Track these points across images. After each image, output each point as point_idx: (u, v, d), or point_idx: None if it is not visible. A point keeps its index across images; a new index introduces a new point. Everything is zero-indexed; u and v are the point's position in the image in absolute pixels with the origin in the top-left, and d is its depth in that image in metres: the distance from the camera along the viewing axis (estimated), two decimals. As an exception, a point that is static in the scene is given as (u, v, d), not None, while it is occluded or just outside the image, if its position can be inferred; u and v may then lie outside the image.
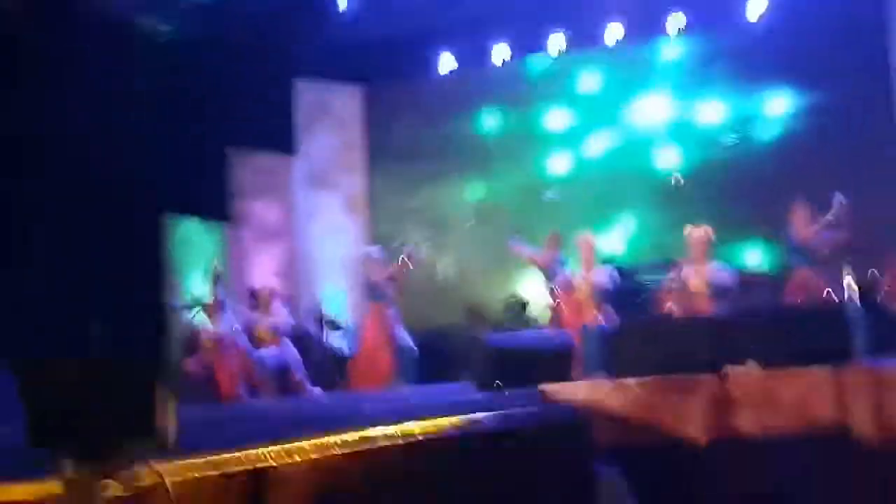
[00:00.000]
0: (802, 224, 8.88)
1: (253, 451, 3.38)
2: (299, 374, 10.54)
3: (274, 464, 3.38)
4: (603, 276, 9.57)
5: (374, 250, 11.31)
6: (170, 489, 2.80)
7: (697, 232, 9.23)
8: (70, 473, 2.83)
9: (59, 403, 3.01)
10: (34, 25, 10.90)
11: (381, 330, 10.37)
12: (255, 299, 11.22)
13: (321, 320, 13.08)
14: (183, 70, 13.15)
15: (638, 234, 13.62)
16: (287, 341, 10.74)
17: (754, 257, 12.07)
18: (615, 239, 13.33)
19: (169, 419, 2.97)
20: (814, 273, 8.90)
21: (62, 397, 3.02)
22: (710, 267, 9.06)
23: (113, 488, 2.77)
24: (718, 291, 8.96)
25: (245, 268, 13.63)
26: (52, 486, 2.82)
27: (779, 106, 13.12)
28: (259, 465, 3.31)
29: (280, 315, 10.80)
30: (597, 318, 9.16)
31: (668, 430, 6.39)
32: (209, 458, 3.17)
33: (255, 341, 10.56)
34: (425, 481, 4.46)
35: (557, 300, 9.79)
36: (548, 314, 10.22)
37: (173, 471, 2.94)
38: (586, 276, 9.51)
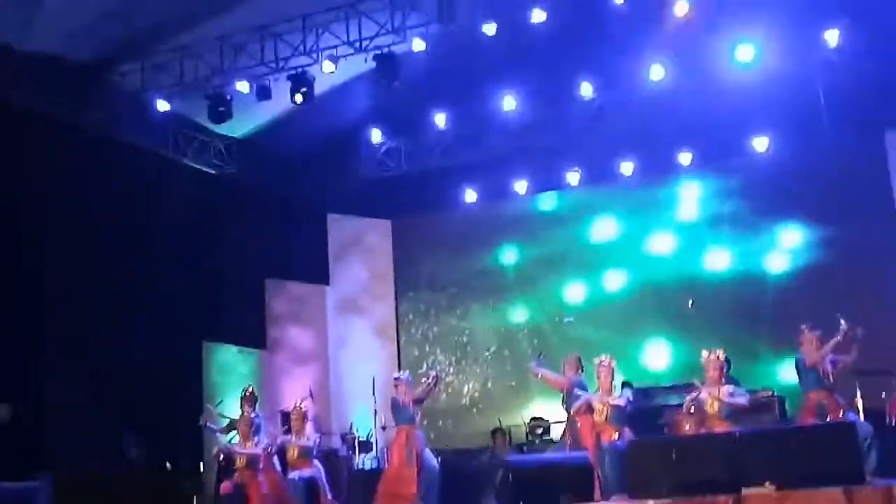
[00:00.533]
0: (812, 348, 8.78)
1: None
2: (328, 495, 10.36)
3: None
4: (621, 398, 9.44)
5: (403, 374, 11.26)
6: None
7: (712, 356, 9.15)
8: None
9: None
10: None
11: (408, 450, 10.19)
12: (287, 421, 11.11)
13: (351, 440, 12.94)
14: (224, 204, 13.43)
15: (656, 359, 13.53)
16: (317, 462, 10.59)
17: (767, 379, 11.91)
18: (634, 363, 13.23)
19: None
20: (826, 395, 8.74)
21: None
22: (724, 389, 8.94)
23: None
24: (733, 412, 8.81)
25: (280, 391, 13.58)
26: None
27: (789, 239, 13.18)
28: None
29: (311, 436, 10.67)
30: (614, 438, 8.99)
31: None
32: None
33: (286, 462, 10.41)
34: None
35: (578, 422, 9.62)
36: (568, 436, 10.03)
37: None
38: (604, 398, 9.38)
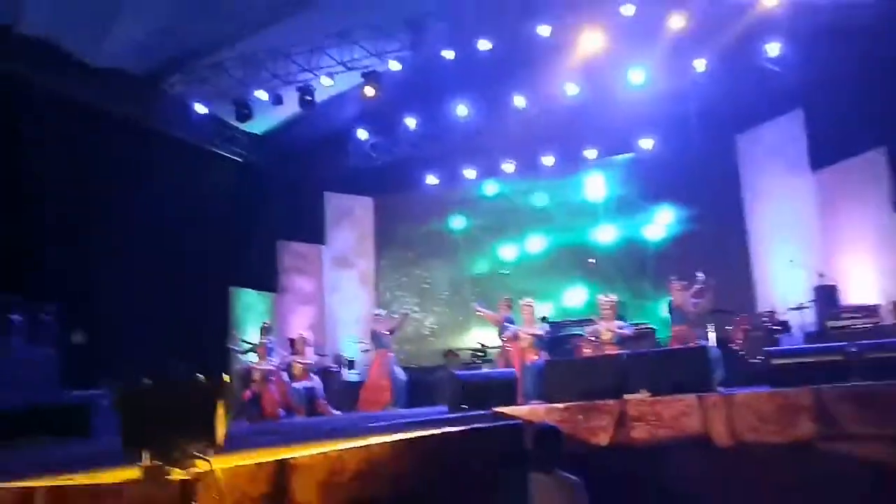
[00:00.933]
0: (678, 294, 8.92)
1: (281, 449, 3.34)
2: (323, 400, 10.40)
3: (295, 455, 3.34)
4: (540, 330, 9.53)
5: (381, 311, 11.29)
6: (217, 473, 2.76)
7: (606, 299, 9.25)
8: (146, 464, 2.79)
9: (143, 416, 2.98)
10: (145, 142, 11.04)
11: (383, 368, 10.27)
12: (293, 345, 11.11)
13: (340, 361, 12.98)
14: (246, 183, 13.27)
15: (570, 301, 13.66)
16: (315, 376, 10.62)
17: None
18: (555, 303, 13.36)
19: (222, 427, 2.95)
20: (687, 329, 8.90)
21: (146, 411, 2.99)
22: (615, 323, 9.06)
23: (176, 473, 2.73)
24: (621, 339, 8.94)
25: (287, 324, 13.55)
26: (134, 473, 2.78)
27: (665, 216, 13.33)
28: (284, 456, 3.28)
29: (310, 357, 10.69)
30: (534, 360, 9.09)
31: (584, 440, 6.33)
32: (248, 452, 3.14)
33: (292, 376, 10.43)
34: (409, 470, 4.39)
35: (507, 347, 9.71)
36: (500, 357, 10.12)
37: (221, 461, 2.90)
38: (527, 330, 9.46)
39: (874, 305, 9.31)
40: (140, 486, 2.69)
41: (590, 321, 9.76)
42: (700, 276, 8.73)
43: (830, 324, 9.19)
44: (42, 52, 9.67)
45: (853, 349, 6.63)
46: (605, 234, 13.72)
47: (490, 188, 14.78)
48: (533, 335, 9.34)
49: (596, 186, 14.07)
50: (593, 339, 9.20)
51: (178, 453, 2.81)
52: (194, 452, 2.85)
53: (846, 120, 10.64)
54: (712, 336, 9.34)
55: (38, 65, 9.66)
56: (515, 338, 9.45)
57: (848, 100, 10.43)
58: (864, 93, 10.18)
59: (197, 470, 2.75)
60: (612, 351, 8.58)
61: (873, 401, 5.63)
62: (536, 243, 14.17)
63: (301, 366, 10.36)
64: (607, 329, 8.97)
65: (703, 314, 9.10)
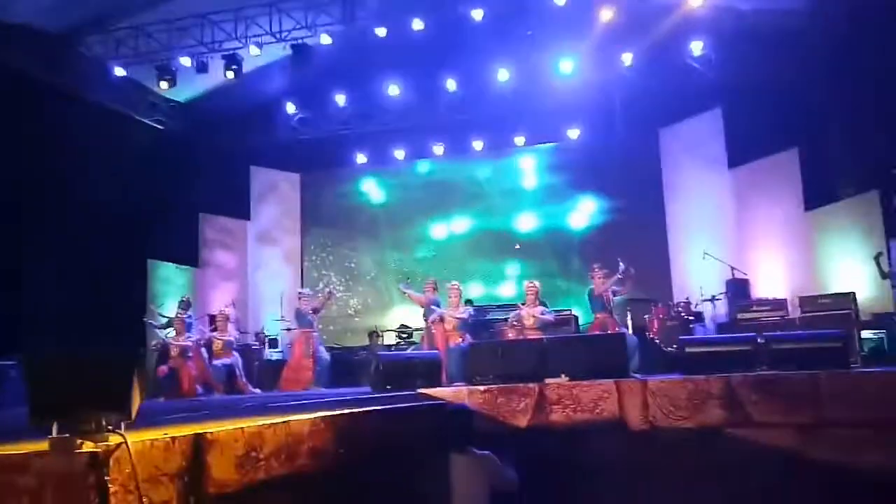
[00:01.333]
0: (599, 282, 9.09)
1: (197, 424, 3.23)
2: (243, 378, 10.20)
3: (211, 430, 3.24)
4: (464, 313, 9.58)
5: (305, 290, 11.11)
6: (129, 446, 2.65)
7: (530, 285, 9.34)
8: (55, 435, 2.66)
9: (53, 387, 2.83)
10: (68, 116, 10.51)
11: (306, 347, 10.10)
12: (213, 322, 10.84)
13: (262, 339, 12.75)
14: (168, 153, 12.80)
15: (492, 284, 13.79)
16: (236, 354, 10.39)
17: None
18: (475, 287, 13.45)
19: (135, 400, 2.83)
20: (607, 316, 9.07)
21: (56, 382, 2.85)
22: (537, 308, 9.16)
23: (86, 446, 2.60)
24: (543, 324, 9.05)
25: (209, 299, 13.21)
26: (41, 445, 2.64)
27: (589, 205, 13.58)
28: (200, 431, 3.18)
29: (232, 334, 10.46)
30: (459, 342, 9.13)
31: (504, 421, 6.40)
32: (162, 427, 3.03)
33: (212, 353, 10.18)
34: (329, 448, 4.34)
35: (433, 329, 9.71)
36: (425, 339, 10.12)
37: (134, 435, 2.78)
38: (452, 312, 9.49)
39: (782, 299, 9.74)
40: (47, 458, 2.55)
41: (514, 306, 9.86)
42: (622, 265, 8.92)
43: (741, 315, 9.56)
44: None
45: (760, 340, 6.92)
46: (530, 221, 13.89)
47: (419, 168, 14.73)
48: (458, 318, 9.37)
49: (523, 171, 14.21)
50: (516, 323, 9.29)
51: (89, 425, 2.68)
52: (106, 425, 2.72)
53: (762, 120, 11.07)
54: (630, 324, 9.59)
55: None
56: (441, 320, 9.47)
57: (764, 101, 10.85)
58: (779, 95, 10.60)
59: (108, 443, 2.63)
60: (534, 335, 8.69)
61: (778, 389, 5.88)
62: (463, 225, 14.24)
63: (221, 342, 10.12)
64: (530, 314, 9.07)
65: (622, 302, 9.31)
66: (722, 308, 10.66)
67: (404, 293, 10.36)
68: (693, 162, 12.65)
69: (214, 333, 10.27)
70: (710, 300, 10.62)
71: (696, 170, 12.57)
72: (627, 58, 11.66)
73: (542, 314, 9.16)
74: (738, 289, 10.55)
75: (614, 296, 9.03)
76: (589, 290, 9.23)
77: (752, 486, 5.60)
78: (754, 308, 9.62)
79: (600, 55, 11.62)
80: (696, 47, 11.38)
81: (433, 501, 5.03)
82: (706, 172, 12.37)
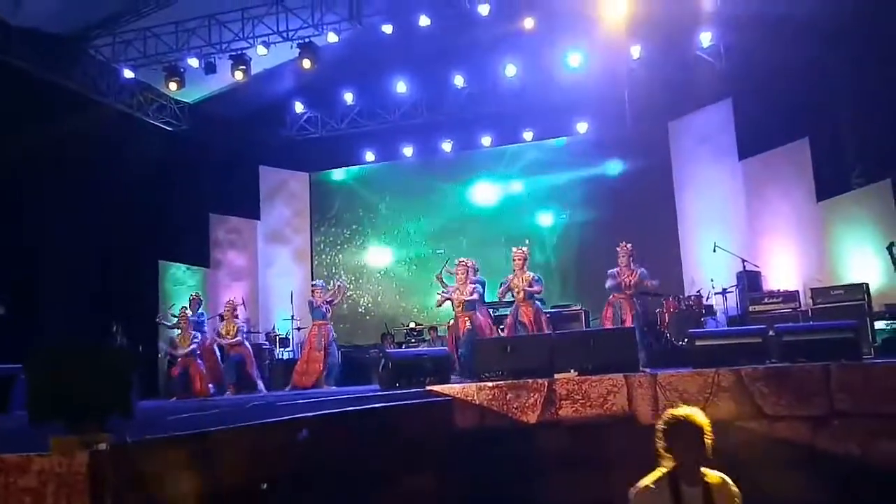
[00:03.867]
0: (623, 259, 8.83)
1: (202, 423, 3.24)
2: (255, 375, 10.20)
3: (217, 428, 3.25)
4: (473, 293, 9.25)
5: (318, 281, 10.97)
6: (131, 446, 2.66)
7: (517, 250, 9.09)
8: (57, 436, 2.67)
9: (55, 384, 2.84)
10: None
11: (318, 340, 9.98)
12: (223, 317, 10.74)
13: (273, 338, 12.79)
14: (177, 154, 12.85)
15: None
16: (247, 343, 10.36)
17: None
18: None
19: (134, 398, 2.84)
20: (625, 298, 8.79)
21: (57, 380, 2.86)
22: (527, 275, 8.92)
23: (87, 446, 2.61)
24: (530, 296, 8.84)
25: (220, 299, 13.22)
26: (43, 443, 2.66)
27: (598, 199, 13.48)
28: (205, 430, 3.18)
29: (240, 322, 10.40)
30: (467, 325, 8.92)
31: (512, 417, 6.38)
32: (168, 427, 3.04)
33: (224, 351, 10.21)
34: (336, 446, 4.34)
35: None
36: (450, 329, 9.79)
37: (137, 434, 2.79)
38: (461, 292, 9.19)
39: (794, 291, 9.65)
40: (49, 459, 2.57)
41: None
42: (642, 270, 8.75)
43: (752, 308, 9.48)
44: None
45: (771, 332, 6.86)
46: (541, 215, 13.85)
47: (428, 166, 14.71)
48: (465, 300, 9.09)
49: (532, 167, 14.16)
50: (506, 287, 9.05)
51: (90, 425, 2.69)
52: (107, 424, 2.73)
53: (773, 111, 10.97)
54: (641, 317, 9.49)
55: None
56: (448, 300, 9.22)
57: (775, 91, 10.74)
58: (790, 85, 10.49)
59: (108, 443, 2.64)
60: (525, 307, 8.64)
61: (789, 381, 5.83)
62: (472, 222, 14.20)
63: (232, 328, 10.08)
64: (521, 279, 8.90)
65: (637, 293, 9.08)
66: (733, 301, 10.57)
67: (451, 272, 9.77)
68: (703, 154, 12.57)
69: (218, 339, 10.23)
70: (721, 293, 10.55)
71: (707, 162, 12.49)
72: (636, 50, 11.60)
73: (531, 286, 8.91)
74: (749, 281, 10.46)
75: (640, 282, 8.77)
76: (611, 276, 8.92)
77: (764, 479, 5.55)
78: (766, 300, 9.54)
79: (609, 48, 11.56)
80: (705, 38, 11.29)
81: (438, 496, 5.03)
82: (716, 164, 12.29)
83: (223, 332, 10.14)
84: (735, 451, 5.79)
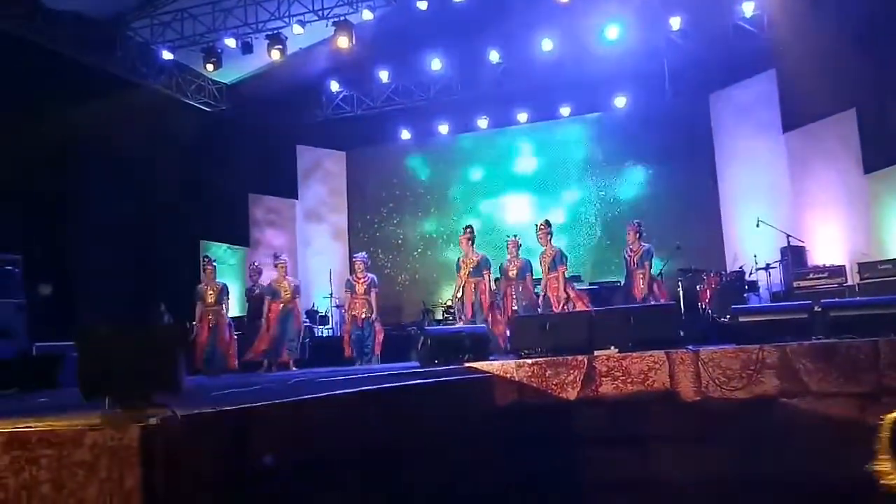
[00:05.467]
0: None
1: (244, 399, 3.28)
2: (292, 345, 9.86)
3: (258, 404, 3.29)
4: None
5: (361, 254, 10.65)
6: (178, 420, 2.71)
7: (541, 223, 9.06)
8: (107, 410, 2.74)
9: (104, 360, 2.90)
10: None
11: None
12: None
13: (313, 315, 12.91)
14: (216, 135, 12.99)
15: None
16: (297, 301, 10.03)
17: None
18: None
19: (181, 374, 2.89)
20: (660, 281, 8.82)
21: (106, 356, 2.91)
22: (550, 248, 8.88)
23: (137, 420, 2.67)
24: (522, 276, 8.91)
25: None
26: (95, 419, 2.72)
27: (638, 175, 13.36)
28: (247, 405, 3.23)
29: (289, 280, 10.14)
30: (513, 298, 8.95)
31: (552, 394, 6.37)
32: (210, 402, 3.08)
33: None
34: (375, 422, 4.38)
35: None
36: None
37: (182, 408, 2.84)
38: (513, 261, 9.18)
39: (840, 266, 9.45)
40: (101, 432, 2.63)
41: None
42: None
43: (797, 283, 9.32)
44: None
45: (818, 308, 6.73)
46: (578, 192, 13.73)
47: (464, 143, 14.65)
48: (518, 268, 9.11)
49: (569, 143, 14.02)
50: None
51: (139, 399, 2.75)
52: (155, 398, 2.79)
53: (818, 81, 10.64)
54: (681, 295, 9.40)
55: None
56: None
57: (820, 61, 10.41)
58: (835, 54, 10.16)
59: (158, 416, 2.69)
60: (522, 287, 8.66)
61: (836, 357, 5.72)
62: (509, 199, 14.14)
63: (288, 285, 9.78)
64: (512, 266, 8.91)
65: (673, 273, 9.04)
66: (777, 277, 10.39)
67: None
68: (746, 127, 12.30)
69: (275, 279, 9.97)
70: (764, 268, 10.37)
71: (749, 135, 12.23)
72: (676, 21, 11.36)
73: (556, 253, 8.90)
74: (794, 256, 10.27)
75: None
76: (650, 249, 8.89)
77: (805, 456, 5.48)
78: (811, 275, 9.37)
79: (647, 20, 11.35)
80: (748, 8, 11.00)
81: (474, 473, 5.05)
82: (760, 137, 12.03)
83: (281, 289, 9.69)
84: (780, 429, 5.74)
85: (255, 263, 10.47)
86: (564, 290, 8.78)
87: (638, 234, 8.80)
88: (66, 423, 2.77)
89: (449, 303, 12.65)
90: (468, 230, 9.26)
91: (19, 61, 9.50)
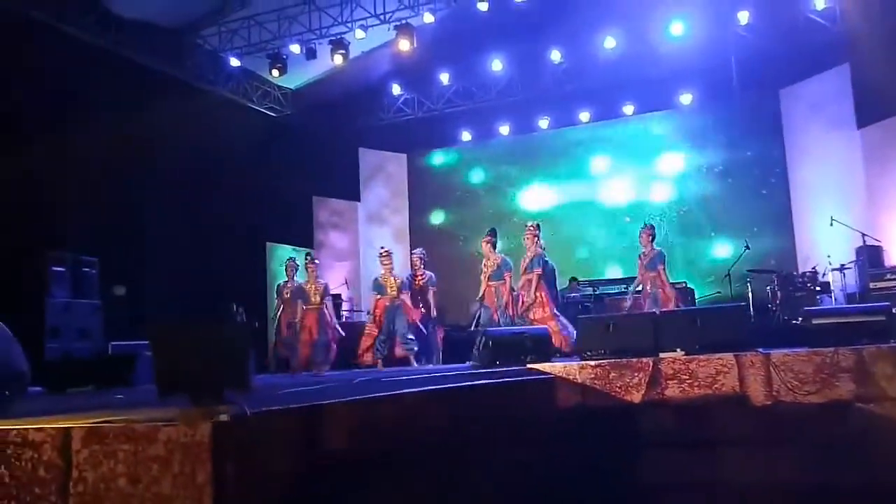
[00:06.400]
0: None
1: (313, 397, 3.34)
2: (333, 320, 9.89)
3: (327, 402, 3.35)
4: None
5: (418, 250, 10.72)
6: (250, 417, 2.78)
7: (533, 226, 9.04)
8: (182, 407, 2.83)
9: (176, 358, 3.00)
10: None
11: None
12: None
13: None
14: (281, 139, 13.26)
15: (602, 260, 13.51)
16: (327, 302, 10.09)
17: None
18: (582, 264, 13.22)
19: (251, 372, 2.96)
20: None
21: (179, 354, 3.01)
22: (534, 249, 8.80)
23: (209, 417, 2.75)
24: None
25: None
26: (169, 415, 2.82)
27: (706, 173, 13.08)
28: (317, 403, 3.30)
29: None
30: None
31: (616, 396, 6.28)
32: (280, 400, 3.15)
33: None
34: (440, 422, 4.40)
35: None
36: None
37: (253, 406, 2.91)
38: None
39: (919, 266, 9.06)
40: (174, 428, 2.72)
41: (625, 280, 9.59)
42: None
43: (873, 285, 8.98)
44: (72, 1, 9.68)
45: (895, 310, 6.45)
46: (643, 191, 13.52)
47: (525, 143, 14.58)
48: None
49: (634, 143, 13.81)
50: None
51: (211, 398, 2.84)
52: (226, 397, 2.87)
53: (894, 75, 10.22)
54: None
55: (69, 15, 9.69)
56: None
57: (896, 54, 10.02)
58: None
59: (230, 414, 2.77)
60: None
61: (915, 362, 5.49)
62: (571, 199, 14.01)
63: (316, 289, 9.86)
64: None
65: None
66: (852, 277, 10.01)
67: None
68: (818, 123, 11.91)
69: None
70: (838, 269, 10.00)
71: (822, 132, 11.83)
72: (743, 16, 11.07)
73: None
74: (869, 256, 9.88)
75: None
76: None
77: (880, 462, 5.27)
78: (888, 276, 9.01)
79: (713, 15, 11.10)
80: (819, 1, 10.65)
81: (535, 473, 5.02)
82: (832, 134, 11.62)
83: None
84: (854, 435, 5.53)
85: (293, 260, 10.47)
86: (534, 292, 8.67)
87: (651, 238, 8.67)
88: (143, 418, 2.87)
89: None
90: (490, 234, 9.28)
91: (97, 70, 9.88)
